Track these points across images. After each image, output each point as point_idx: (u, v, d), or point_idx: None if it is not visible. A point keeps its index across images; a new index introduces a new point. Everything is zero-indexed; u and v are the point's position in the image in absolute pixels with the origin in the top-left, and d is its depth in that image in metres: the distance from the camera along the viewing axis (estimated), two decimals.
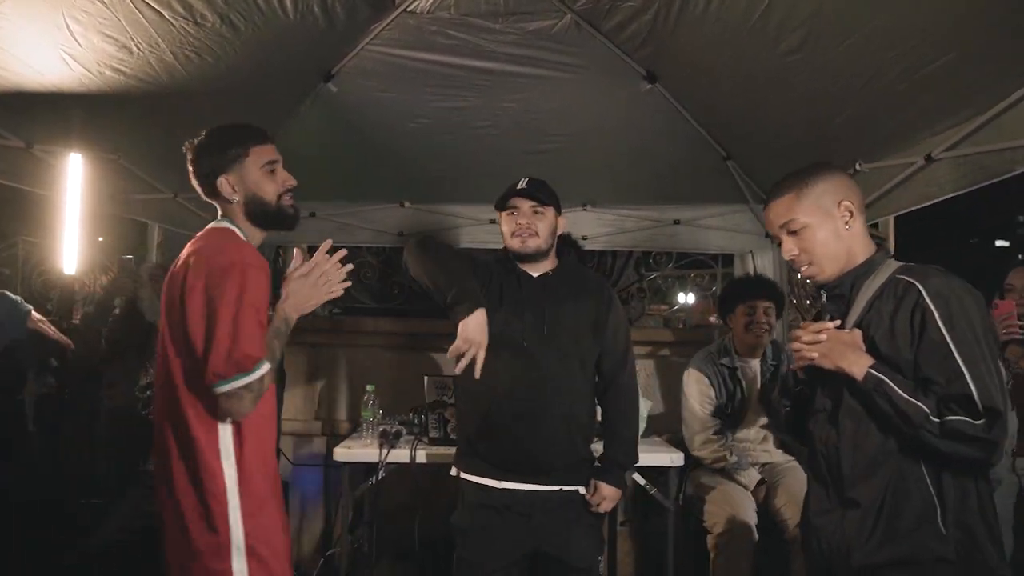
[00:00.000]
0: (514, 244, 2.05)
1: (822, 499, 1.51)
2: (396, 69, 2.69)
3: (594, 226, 3.53)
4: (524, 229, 2.03)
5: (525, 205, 2.04)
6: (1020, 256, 17.18)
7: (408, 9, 2.38)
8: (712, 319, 6.38)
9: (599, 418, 2.19)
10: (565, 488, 2.03)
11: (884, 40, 1.87)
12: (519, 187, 2.06)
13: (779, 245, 1.54)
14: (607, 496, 2.07)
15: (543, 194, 2.05)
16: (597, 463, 2.13)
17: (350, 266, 1.57)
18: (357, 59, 2.68)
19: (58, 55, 1.95)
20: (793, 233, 1.49)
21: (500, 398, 1.99)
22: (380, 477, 2.55)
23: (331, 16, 2.28)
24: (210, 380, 1.37)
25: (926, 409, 1.31)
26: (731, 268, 3.96)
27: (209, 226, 1.59)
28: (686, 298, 6.77)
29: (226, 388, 1.37)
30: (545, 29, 2.46)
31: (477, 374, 1.82)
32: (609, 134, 3.02)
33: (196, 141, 1.60)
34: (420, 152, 3.16)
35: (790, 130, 2.57)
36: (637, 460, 2.17)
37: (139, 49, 2.06)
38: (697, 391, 2.80)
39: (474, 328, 1.81)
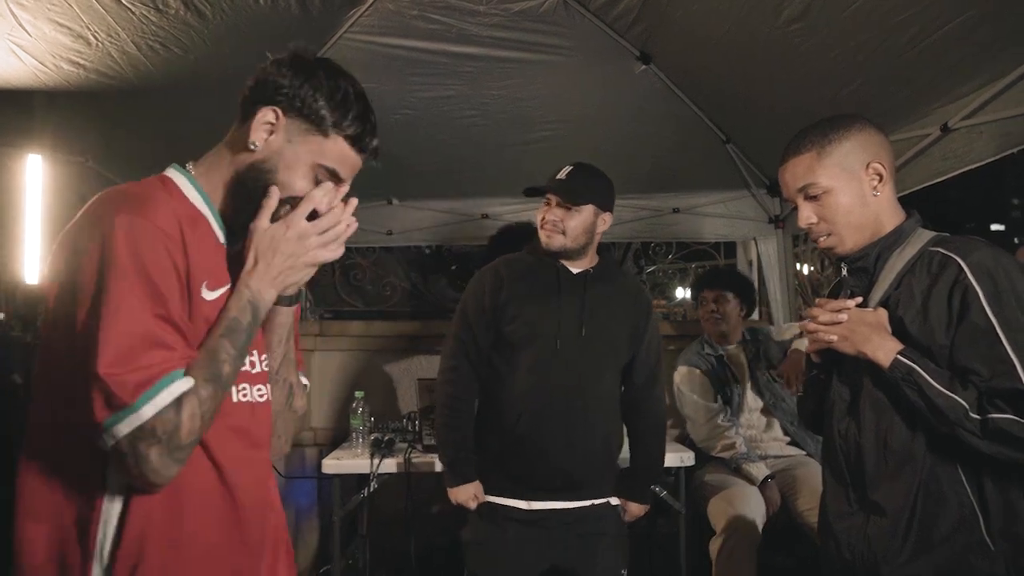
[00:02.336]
0: (540, 237, 1.92)
1: (841, 500, 1.33)
2: (377, 58, 2.57)
3: None
4: (550, 225, 1.89)
5: (555, 200, 1.90)
6: (1016, 240, 17.17)
7: None
8: None
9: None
10: (597, 502, 1.91)
11: (894, 1, 1.74)
12: (557, 176, 1.91)
13: (794, 209, 1.34)
14: (634, 514, 2.01)
15: (579, 190, 1.88)
16: (624, 477, 2.02)
17: (354, 223, 1.02)
18: (335, 49, 2.55)
19: (5, 46, 1.81)
20: (812, 198, 1.29)
21: (533, 408, 1.84)
22: (372, 489, 2.41)
23: (305, 3, 2.16)
24: (92, 429, 0.84)
25: (965, 404, 1.13)
26: (734, 259, 3.84)
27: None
28: (684, 292, 6.67)
29: (108, 440, 0.83)
30: (531, 9, 2.34)
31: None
32: (602, 120, 2.90)
33: (296, 53, 1.03)
34: (406, 146, 3.03)
35: (792, 107, 2.45)
36: (660, 473, 2.09)
37: (97, 39, 1.92)
38: (691, 382, 2.74)
39: (461, 498, 1.91)
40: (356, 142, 1.02)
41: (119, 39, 1.96)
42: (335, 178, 1.01)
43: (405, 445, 2.54)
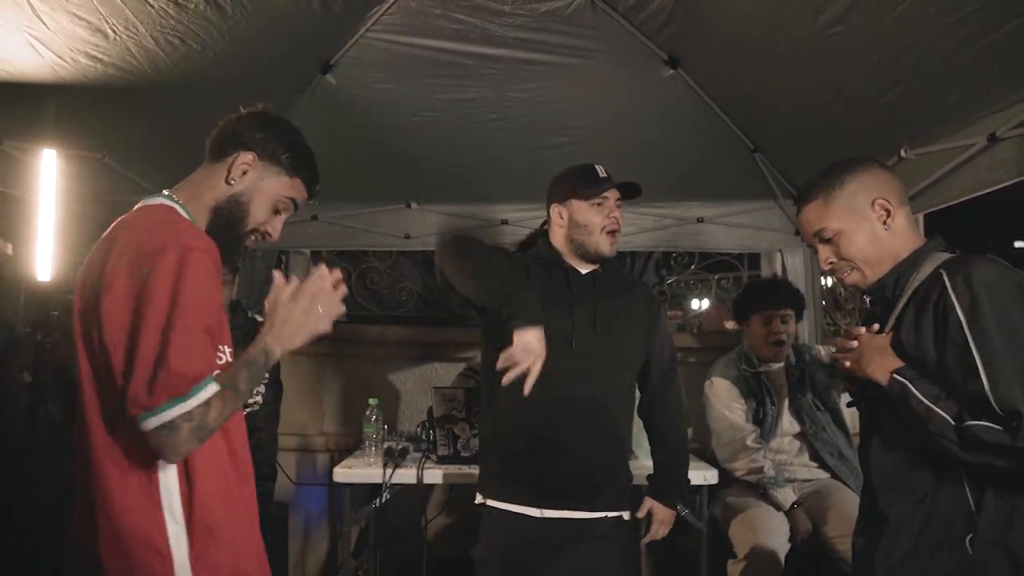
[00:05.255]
0: (602, 243, 1.83)
1: (861, 517, 1.43)
2: (399, 58, 2.53)
3: None
4: (616, 225, 1.84)
5: (613, 198, 1.84)
6: None
7: None
8: (729, 324, 6.14)
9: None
10: (610, 514, 1.82)
11: (945, 1, 1.64)
12: (603, 175, 1.85)
13: (815, 252, 1.43)
14: (664, 520, 1.93)
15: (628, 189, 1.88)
16: (650, 477, 1.95)
17: (344, 289, 1.27)
18: (357, 48, 2.52)
19: (23, 39, 1.77)
20: (827, 241, 1.38)
21: (546, 407, 1.75)
22: (385, 499, 2.34)
23: (327, 0, 2.12)
24: (132, 412, 1.05)
25: (946, 416, 1.18)
26: (758, 271, 3.74)
27: (142, 203, 1.25)
28: (700, 303, 6.55)
29: (153, 422, 1.04)
30: (558, 10, 2.28)
31: (527, 390, 1.54)
32: (626, 126, 2.83)
33: (262, 111, 1.34)
34: (426, 148, 2.98)
35: (824, 115, 2.36)
36: (689, 483, 2.00)
37: (115, 33, 1.88)
38: (725, 397, 2.60)
39: (535, 339, 1.54)
40: (308, 184, 1.33)
41: (137, 33, 1.92)
42: (293, 206, 1.32)
43: (419, 455, 2.47)
